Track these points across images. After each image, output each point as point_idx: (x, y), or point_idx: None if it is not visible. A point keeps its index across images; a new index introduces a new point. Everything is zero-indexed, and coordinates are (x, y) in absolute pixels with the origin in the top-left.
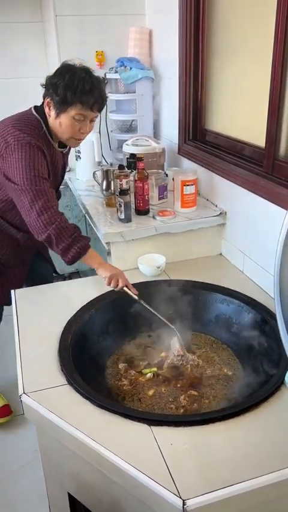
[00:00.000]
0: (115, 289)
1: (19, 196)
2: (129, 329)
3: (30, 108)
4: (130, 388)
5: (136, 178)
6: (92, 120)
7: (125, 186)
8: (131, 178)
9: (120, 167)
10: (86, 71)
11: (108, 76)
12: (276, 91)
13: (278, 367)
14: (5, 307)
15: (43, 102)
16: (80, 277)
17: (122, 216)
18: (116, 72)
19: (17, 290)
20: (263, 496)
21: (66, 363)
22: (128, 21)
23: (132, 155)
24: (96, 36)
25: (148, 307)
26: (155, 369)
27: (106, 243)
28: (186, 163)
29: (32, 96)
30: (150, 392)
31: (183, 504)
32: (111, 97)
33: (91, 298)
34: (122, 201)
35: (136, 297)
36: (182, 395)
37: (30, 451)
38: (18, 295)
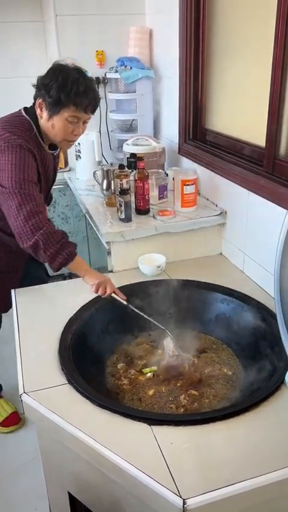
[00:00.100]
0: (102, 296)
1: (6, 199)
2: (130, 328)
3: (20, 110)
4: (130, 387)
5: (136, 178)
6: (85, 122)
7: (125, 186)
8: (131, 177)
9: (121, 167)
10: (79, 72)
11: (108, 76)
12: (276, 91)
13: (278, 366)
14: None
15: (34, 103)
16: None
17: (122, 216)
18: (116, 71)
19: (17, 290)
20: (264, 495)
21: (66, 362)
22: (128, 21)
23: (133, 155)
24: (97, 35)
25: (137, 311)
26: (155, 368)
27: (106, 243)
28: (187, 162)
29: (32, 96)
30: (150, 392)
31: (184, 503)
32: (112, 96)
33: (91, 298)
34: (122, 200)
35: (125, 302)
36: (182, 394)
37: (30, 450)
38: (18, 294)
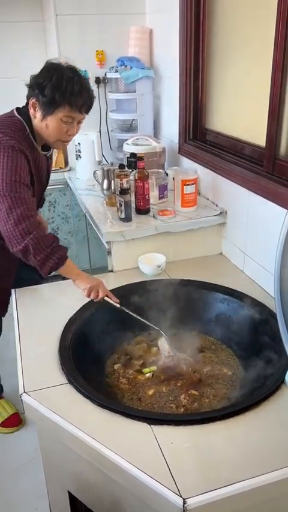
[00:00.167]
0: (95, 300)
1: None
2: (130, 327)
3: (12, 110)
4: (130, 387)
5: (136, 178)
6: (79, 122)
7: (125, 186)
8: (132, 177)
9: (121, 166)
10: (73, 71)
11: (108, 75)
12: (276, 92)
13: (278, 365)
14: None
15: (27, 103)
16: None
17: (123, 216)
18: (116, 71)
19: (17, 290)
20: (264, 495)
21: (66, 362)
22: (128, 21)
23: (133, 154)
24: (97, 35)
25: (131, 313)
26: (154, 368)
27: (107, 242)
28: (187, 162)
29: None
30: (150, 392)
31: (184, 503)
32: (112, 96)
33: (117, 305)
34: (123, 200)
35: (118, 305)
36: (182, 394)
37: (30, 450)
38: (18, 294)
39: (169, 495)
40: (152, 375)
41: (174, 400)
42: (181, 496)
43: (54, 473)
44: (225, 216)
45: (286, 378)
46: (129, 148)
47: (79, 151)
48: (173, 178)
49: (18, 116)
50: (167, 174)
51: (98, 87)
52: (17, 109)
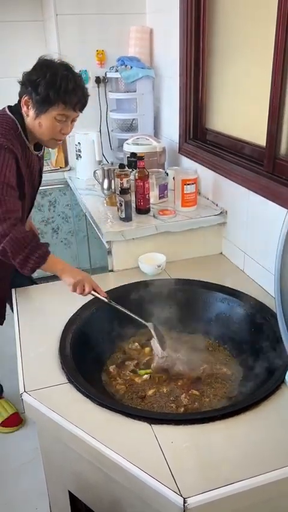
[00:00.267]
0: (82, 295)
1: None
2: (130, 326)
3: (4, 108)
4: (129, 386)
5: (137, 177)
6: (73, 120)
7: (125, 185)
8: (132, 177)
9: (121, 166)
10: (67, 68)
11: (108, 75)
12: (276, 93)
13: (278, 365)
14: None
15: (19, 101)
16: None
17: (123, 215)
18: (116, 71)
19: (17, 289)
20: (264, 495)
21: (66, 361)
22: (128, 20)
23: (133, 154)
24: (97, 35)
25: (120, 308)
26: (150, 371)
27: (107, 242)
28: (187, 162)
29: None
30: (151, 392)
31: (184, 502)
32: (112, 96)
33: (91, 297)
34: (123, 200)
35: (106, 300)
36: (182, 394)
37: (30, 449)
38: (18, 294)
39: (169, 494)
40: (150, 376)
41: (175, 400)
42: (181, 495)
43: (55, 472)
44: (226, 215)
45: (286, 377)
46: (129, 148)
47: (79, 151)
48: (173, 178)
49: (10, 114)
50: (167, 174)
51: (98, 87)
52: (9, 107)
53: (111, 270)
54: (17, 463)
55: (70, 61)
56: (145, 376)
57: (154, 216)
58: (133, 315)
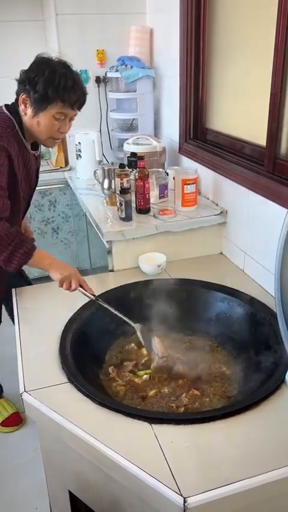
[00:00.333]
0: (69, 292)
1: None
2: (130, 326)
3: (1, 107)
4: (129, 386)
5: (137, 177)
6: (71, 119)
7: (125, 185)
8: (132, 177)
9: (121, 166)
10: (65, 66)
11: (109, 75)
12: (276, 93)
13: (278, 365)
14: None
15: (16, 99)
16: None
17: (123, 215)
18: (116, 70)
19: (17, 289)
20: (264, 494)
21: (66, 361)
22: (128, 20)
23: (133, 154)
24: (97, 34)
25: (107, 306)
26: (149, 371)
27: (107, 242)
28: (187, 162)
29: None
30: (151, 392)
31: (184, 502)
32: (112, 96)
33: (92, 297)
34: (123, 199)
35: (93, 297)
36: (183, 393)
37: (31, 449)
38: (18, 293)
39: (169, 494)
40: (149, 376)
41: (176, 400)
42: (181, 495)
43: (55, 472)
44: (226, 215)
45: (286, 377)
46: (129, 147)
47: (79, 150)
48: (174, 178)
49: (7, 113)
50: (167, 174)
51: (99, 87)
52: (6, 105)
53: (112, 270)
54: (17, 463)
55: (70, 61)
56: (145, 377)
57: (154, 215)
58: (120, 315)
